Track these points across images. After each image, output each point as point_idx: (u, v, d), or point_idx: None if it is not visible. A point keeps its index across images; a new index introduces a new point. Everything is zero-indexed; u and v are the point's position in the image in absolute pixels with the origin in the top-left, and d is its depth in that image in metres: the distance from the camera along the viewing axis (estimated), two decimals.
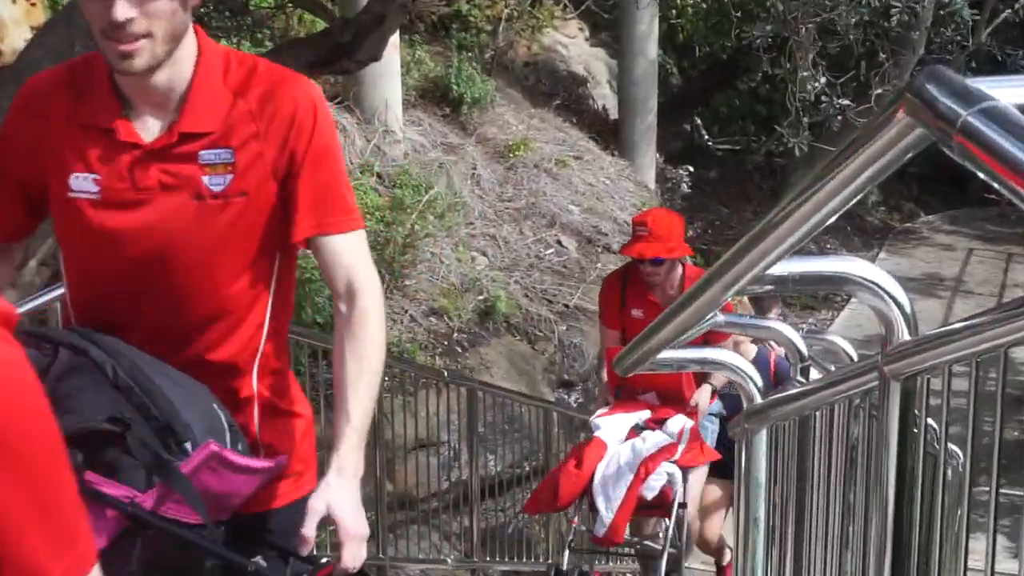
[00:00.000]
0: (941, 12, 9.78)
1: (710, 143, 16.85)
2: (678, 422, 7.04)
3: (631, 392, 7.37)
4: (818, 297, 16.08)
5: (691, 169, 16.53)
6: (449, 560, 9.45)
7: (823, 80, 12.41)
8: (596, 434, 7.12)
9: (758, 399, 4.09)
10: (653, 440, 6.89)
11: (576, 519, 6.94)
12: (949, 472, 2.72)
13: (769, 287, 3.24)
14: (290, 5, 11.12)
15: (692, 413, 7.19)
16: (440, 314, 11.34)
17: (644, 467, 6.61)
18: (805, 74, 12.92)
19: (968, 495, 2.71)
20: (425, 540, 9.17)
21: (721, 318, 4.15)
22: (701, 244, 15.44)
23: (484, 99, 13.96)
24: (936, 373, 2.48)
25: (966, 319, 2.28)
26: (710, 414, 7.55)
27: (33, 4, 9.84)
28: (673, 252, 7.22)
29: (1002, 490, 2.41)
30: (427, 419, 9.36)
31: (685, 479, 6.91)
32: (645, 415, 7.24)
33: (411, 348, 10.76)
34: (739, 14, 14.44)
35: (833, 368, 4.18)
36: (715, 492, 8.09)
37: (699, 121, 16.65)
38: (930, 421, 2.58)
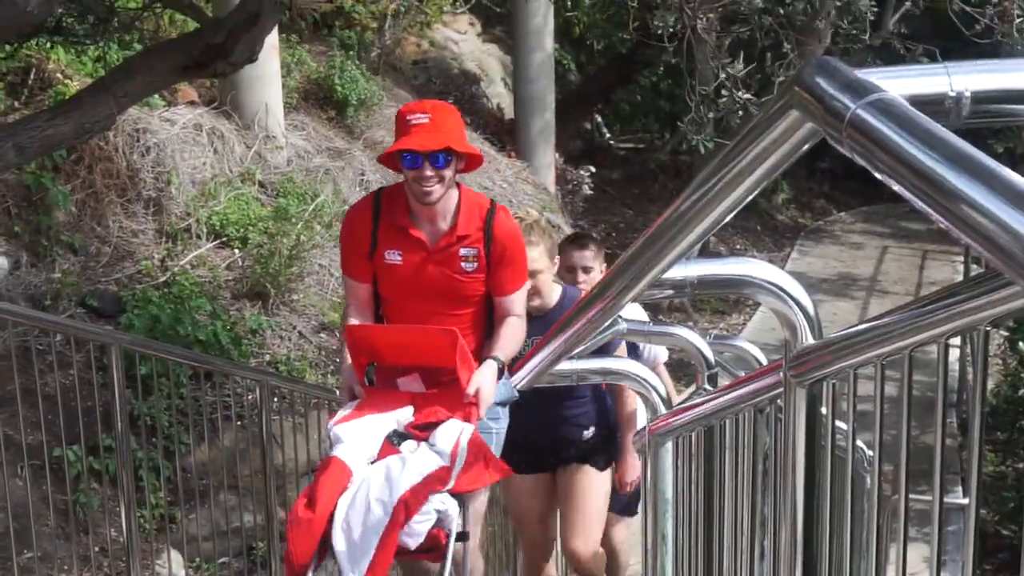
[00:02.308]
0: (838, 3, 9.90)
1: (612, 142, 16.94)
2: (451, 433, 4.89)
3: (388, 375, 5.15)
4: (728, 301, 16.20)
5: (593, 169, 16.56)
6: None
7: (723, 73, 12.51)
8: (336, 452, 4.97)
9: (663, 410, 4.11)
10: (416, 465, 4.79)
11: None
12: (868, 480, 2.74)
13: (669, 291, 3.26)
14: (158, 5, 10.97)
15: (470, 410, 5.00)
16: (331, 329, 11.23)
17: (403, 508, 4.60)
18: (705, 68, 13.03)
19: (878, 501, 2.75)
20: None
21: (623, 326, 4.21)
22: (605, 249, 15.46)
23: (371, 100, 13.92)
24: (842, 377, 2.51)
25: (869, 320, 2.31)
26: (496, 404, 5.30)
27: None
28: (466, 145, 5.11)
29: (923, 496, 2.45)
30: (319, 442, 9.14)
31: (464, 505, 4.99)
32: (406, 415, 5.08)
33: (300, 366, 10.67)
34: (636, 4, 14.46)
35: (742, 375, 4.21)
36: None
37: (600, 119, 16.74)
38: (841, 424, 2.61)
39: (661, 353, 6.96)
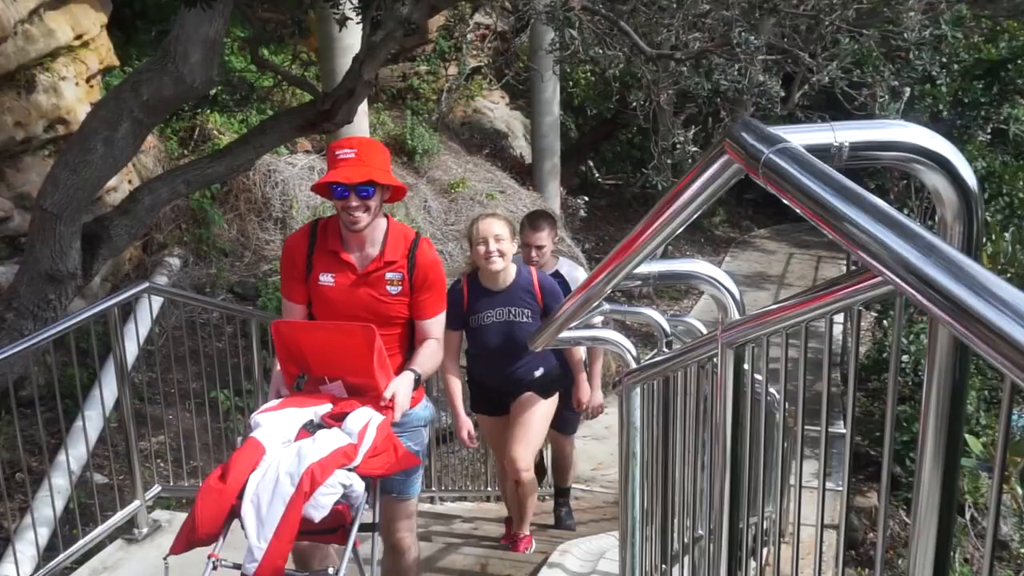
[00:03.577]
0: (757, 88, 9.89)
1: (599, 180, 16.82)
2: (362, 416, 3.91)
3: (315, 384, 4.20)
4: (680, 290, 16.15)
5: (586, 199, 16.54)
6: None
7: (678, 133, 12.53)
8: (253, 434, 3.95)
9: (633, 365, 4.10)
10: (325, 441, 3.79)
11: (218, 551, 3.54)
12: (777, 416, 2.73)
13: (638, 282, 3.25)
14: (284, 84, 11.00)
15: (385, 413, 4.02)
16: None
17: (309, 477, 3.62)
18: (665, 129, 13.04)
19: (783, 431, 2.74)
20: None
21: (607, 307, 4.14)
22: (595, 255, 15.43)
23: (432, 150, 13.91)
24: (759, 343, 2.50)
25: (778, 303, 2.30)
26: (419, 426, 4.35)
27: (92, 86, 9.72)
28: (388, 178, 4.13)
29: (815, 427, 2.44)
30: None
31: (374, 492, 3.93)
32: (324, 409, 4.03)
33: None
34: (618, 84, 14.49)
35: (689, 342, 4.21)
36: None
37: (591, 163, 16.61)
38: (758, 376, 2.61)
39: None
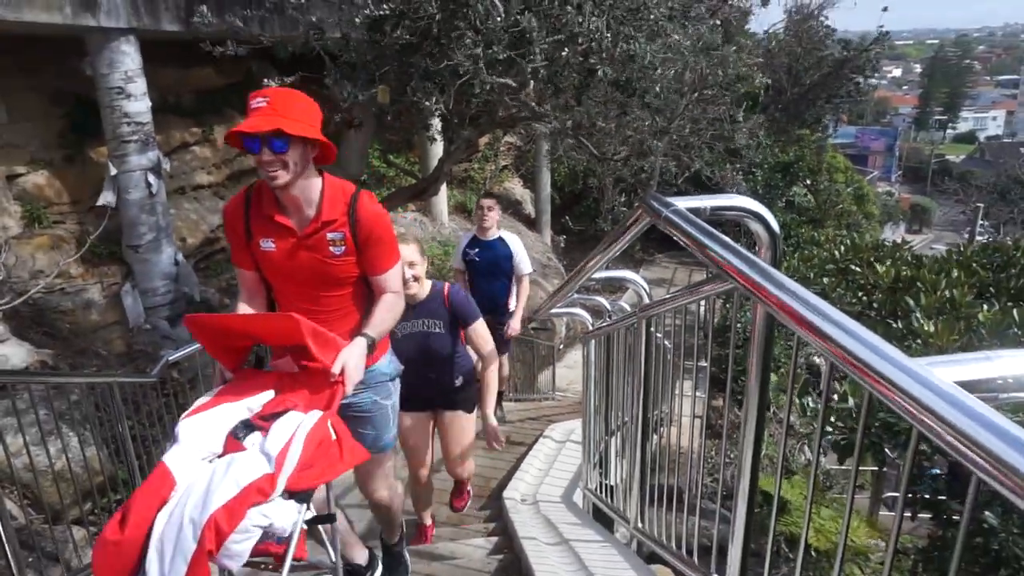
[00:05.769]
0: (663, 177, 9.81)
1: (572, 226, 16.69)
2: (284, 432, 1.78)
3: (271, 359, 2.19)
4: (617, 288, 16.05)
5: (565, 237, 16.41)
6: None
7: (615, 200, 12.54)
8: (166, 456, 1.73)
9: (590, 326, 4.05)
10: (236, 474, 1.65)
11: None
12: (668, 356, 2.69)
13: (593, 281, 3.22)
14: (400, 173, 10.98)
15: (336, 389, 1.94)
16: None
17: (212, 530, 1.53)
18: (608, 197, 13.02)
19: (673, 366, 2.70)
20: None
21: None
22: (569, 268, 15.34)
23: None
24: (661, 317, 2.48)
25: (668, 295, 2.28)
26: (387, 381, 2.42)
27: None
28: (303, 129, 2.00)
29: (689, 363, 2.42)
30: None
31: (307, 502, 1.73)
32: (260, 401, 1.94)
33: None
34: (582, 173, 14.49)
35: (620, 313, 4.16)
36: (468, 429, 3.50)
37: (567, 217, 16.47)
38: (658, 335, 2.58)
39: (525, 268, 5.00)
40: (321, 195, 2.20)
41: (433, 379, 3.26)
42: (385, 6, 4.35)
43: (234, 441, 1.84)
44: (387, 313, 2.28)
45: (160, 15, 5.66)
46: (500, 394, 5.44)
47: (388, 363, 2.44)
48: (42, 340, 5.44)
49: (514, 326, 4.87)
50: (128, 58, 5.55)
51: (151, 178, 5.90)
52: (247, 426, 1.89)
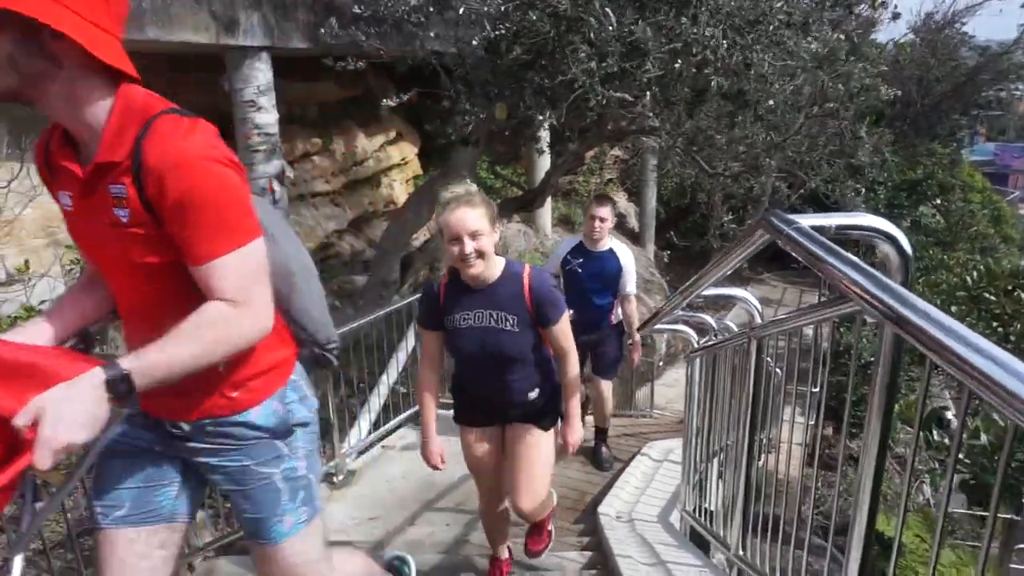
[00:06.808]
0: (775, 195, 9.43)
1: (677, 242, 16.38)
2: None
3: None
4: (721, 306, 15.56)
5: (669, 252, 16.12)
6: None
7: (724, 217, 12.18)
8: None
9: (695, 345, 3.96)
10: None
11: None
12: (778, 379, 2.60)
13: (701, 300, 3.16)
14: (508, 184, 11.16)
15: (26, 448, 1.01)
16: None
17: None
18: (717, 214, 12.68)
19: (784, 392, 2.60)
20: None
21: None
22: (673, 284, 15.04)
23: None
24: (771, 338, 2.40)
25: (780, 316, 2.20)
26: (272, 439, 1.41)
27: (407, 184, 10.06)
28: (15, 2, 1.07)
29: (800, 387, 2.32)
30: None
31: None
32: None
33: None
34: (690, 188, 14.22)
35: (728, 333, 4.04)
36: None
37: (672, 233, 16.19)
38: (769, 359, 2.49)
39: (632, 288, 4.25)
40: (108, 120, 1.19)
41: (500, 388, 2.42)
42: (501, 27, 4.45)
43: None
44: (189, 339, 1.17)
45: (291, 33, 6.06)
46: (604, 431, 4.63)
47: (269, 412, 1.41)
48: None
49: (637, 351, 4.29)
50: (260, 73, 5.96)
51: (276, 185, 6.29)
52: None
